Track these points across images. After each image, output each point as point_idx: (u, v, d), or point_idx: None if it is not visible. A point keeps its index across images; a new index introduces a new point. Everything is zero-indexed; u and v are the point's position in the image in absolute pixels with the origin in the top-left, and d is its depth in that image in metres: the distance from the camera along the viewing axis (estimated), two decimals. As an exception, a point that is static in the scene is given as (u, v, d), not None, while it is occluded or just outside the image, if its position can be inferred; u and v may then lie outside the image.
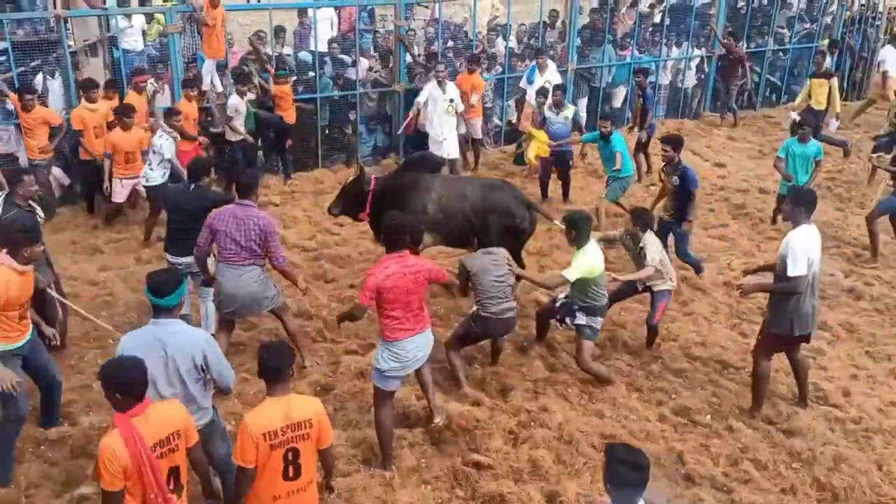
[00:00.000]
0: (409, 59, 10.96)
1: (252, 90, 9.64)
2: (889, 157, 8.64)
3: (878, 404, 6.05)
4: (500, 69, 11.54)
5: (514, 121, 10.92)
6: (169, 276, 4.23)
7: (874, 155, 9.04)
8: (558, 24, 12.40)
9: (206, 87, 9.81)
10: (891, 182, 8.66)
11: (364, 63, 10.88)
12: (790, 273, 5.34)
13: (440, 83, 9.75)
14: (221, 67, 10.01)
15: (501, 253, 6.02)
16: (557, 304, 6.23)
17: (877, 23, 14.99)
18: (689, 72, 13.27)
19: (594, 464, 5.13)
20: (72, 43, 9.29)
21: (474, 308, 5.99)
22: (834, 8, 14.61)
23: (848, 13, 14.70)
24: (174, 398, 3.90)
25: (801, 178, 8.53)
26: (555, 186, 9.89)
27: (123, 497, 3.46)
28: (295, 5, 11.77)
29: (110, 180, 8.50)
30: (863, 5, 14.84)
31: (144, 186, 8.31)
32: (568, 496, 4.84)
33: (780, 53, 14.13)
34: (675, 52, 13.07)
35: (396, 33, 10.75)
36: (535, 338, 6.70)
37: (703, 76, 13.48)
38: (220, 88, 9.91)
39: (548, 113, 9.50)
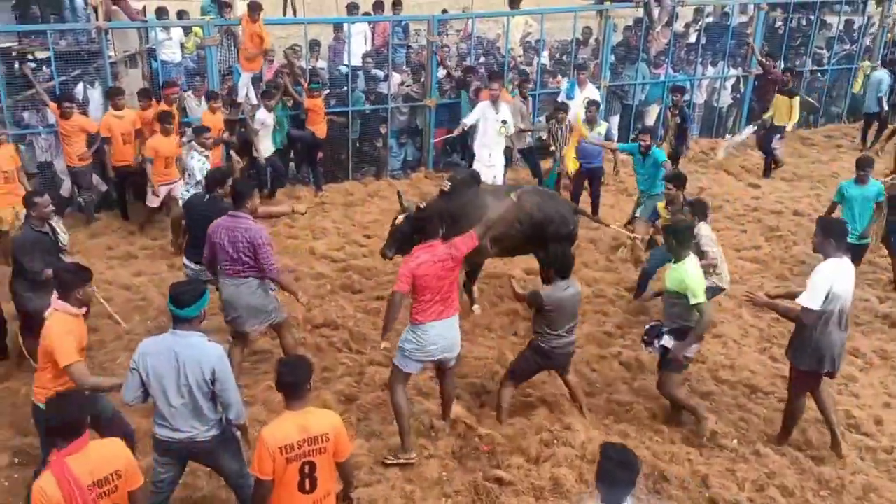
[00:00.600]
0: (441, 73, 11.02)
1: (283, 102, 9.78)
2: None
3: (911, 434, 5.89)
4: (532, 86, 11.55)
5: (544, 137, 10.88)
6: (190, 287, 4.24)
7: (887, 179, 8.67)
8: (591, 41, 12.40)
9: (240, 98, 9.98)
10: None
11: (396, 78, 10.98)
12: (800, 301, 5.17)
13: (493, 102, 9.49)
14: (257, 81, 10.18)
15: (578, 288, 5.65)
16: (646, 326, 5.90)
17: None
18: (724, 91, 13.17)
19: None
20: (112, 54, 9.55)
21: (538, 341, 5.59)
22: (874, 29, 14.40)
23: (889, 35, 14.48)
24: (116, 441, 3.73)
25: (861, 223, 7.53)
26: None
27: None
28: (330, 20, 11.94)
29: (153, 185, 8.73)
30: (904, 26, 14.62)
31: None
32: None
33: (819, 74, 13.95)
34: (710, 70, 12.98)
35: (429, 48, 10.83)
36: None
37: (738, 96, 13.36)
38: (254, 101, 10.07)
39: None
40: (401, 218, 6.81)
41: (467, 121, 9.69)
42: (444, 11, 12.90)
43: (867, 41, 14.29)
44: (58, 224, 6.32)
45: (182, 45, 10.62)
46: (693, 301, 5.25)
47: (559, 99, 11.06)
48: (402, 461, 5.20)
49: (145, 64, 9.93)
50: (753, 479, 5.27)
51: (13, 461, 5.31)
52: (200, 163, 8.14)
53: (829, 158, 12.50)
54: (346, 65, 10.95)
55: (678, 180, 7.40)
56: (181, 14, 11.42)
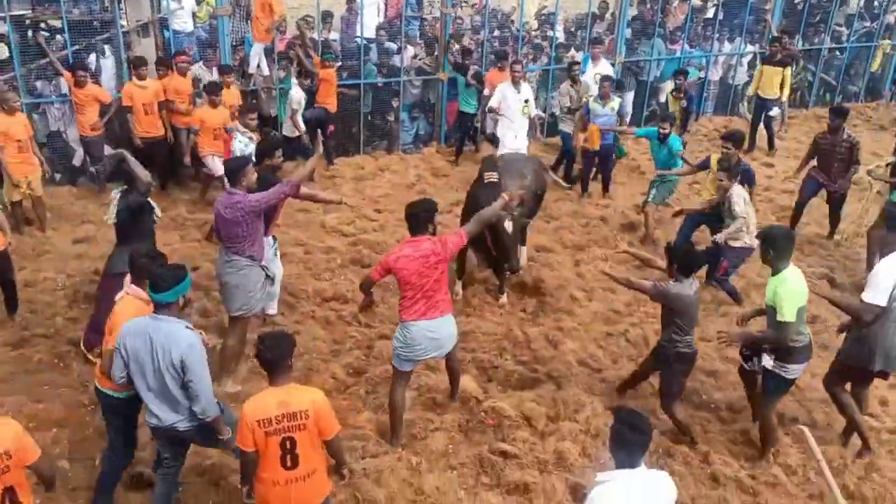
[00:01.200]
0: (455, 46, 10.93)
1: (296, 74, 9.74)
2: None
3: (917, 415, 5.90)
4: (547, 60, 11.47)
5: (557, 112, 10.82)
6: (169, 273, 4.17)
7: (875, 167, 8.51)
8: (608, 15, 12.26)
9: (251, 70, 9.95)
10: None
11: (410, 50, 10.90)
12: (864, 297, 5.01)
13: (515, 83, 9.25)
14: (269, 52, 10.14)
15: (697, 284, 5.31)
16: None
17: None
18: (740, 68, 13.00)
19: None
20: (124, 23, 9.53)
21: (673, 347, 5.23)
22: (896, 6, 14.16)
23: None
24: (2, 420, 3.68)
25: None
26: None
27: None
28: (343, -9, 11.85)
29: (192, 156, 8.81)
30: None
31: None
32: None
33: (837, 52, 13.75)
34: (727, 47, 12.81)
35: (442, 20, 10.70)
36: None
37: (753, 73, 13.18)
38: (266, 72, 10.04)
39: (593, 105, 9.36)
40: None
41: (492, 103, 9.37)
42: (459, -17, 12.77)
43: (890, 18, 14.03)
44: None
45: (194, 15, 10.58)
46: (779, 318, 4.87)
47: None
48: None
49: (158, 33, 9.91)
50: (756, 457, 5.31)
51: (28, 426, 5.37)
52: (242, 143, 8.07)
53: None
54: (358, 37, 10.89)
55: (736, 140, 7.54)
56: (193, -17, 11.36)
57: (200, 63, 9.72)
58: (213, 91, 8.58)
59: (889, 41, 13.76)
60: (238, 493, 4.46)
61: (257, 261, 5.61)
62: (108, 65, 9.50)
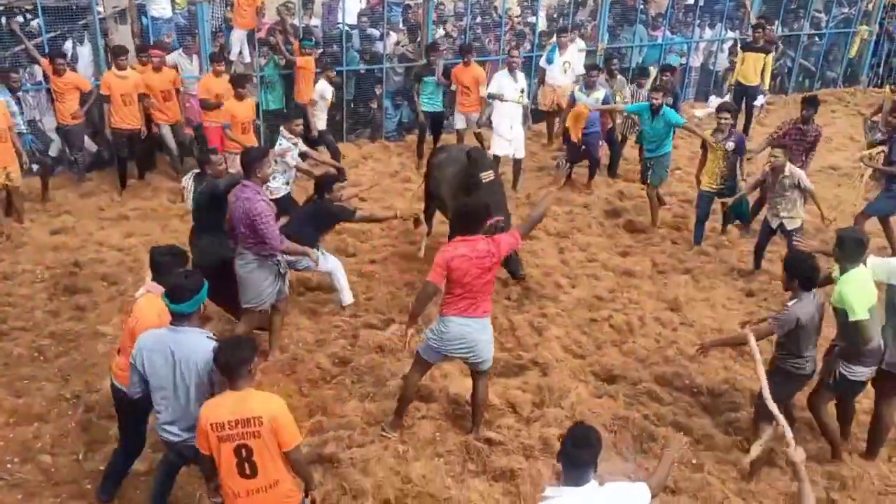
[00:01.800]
0: (440, 32, 10.83)
1: (275, 61, 9.62)
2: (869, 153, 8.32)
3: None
4: (529, 47, 11.45)
5: (540, 100, 10.80)
6: (189, 281, 3.98)
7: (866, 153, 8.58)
8: (589, 1, 12.25)
9: (233, 56, 9.84)
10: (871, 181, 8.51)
11: (392, 37, 10.83)
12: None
13: (511, 71, 9.21)
14: (251, 38, 10.01)
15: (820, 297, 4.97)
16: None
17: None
18: (721, 54, 13.07)
19: (605, 444, 5.14)
20: (101, 9, 9.37)
21: (787, 367, 4.95)
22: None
23: (890, -2, 14.36)
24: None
25: None
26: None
27: None
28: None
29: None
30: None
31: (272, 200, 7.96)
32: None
33: (816, 38, 13.85)
34: (707, 33, 12.86)
35: (425, 6, 10.62)
36: None
37: (734, 59, 13.25)
38: (247, 59, 9.93)
39: (578, 94, 9.30)
40: None
41: (492, 91, 9.25)
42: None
43: (866, 5, 14.15)
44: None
45: (173, 1, 10.41)
46: (851, 318, 4.70)
47: (540, 64, 10.84)
48: (384, 435, 5.22)
49: (135, 20, 9.76)
50: (739, 440, 5.38)
51: (8, 421, 5.36)
52: (291, 149, 7.61)
53: (823, 123, 12.42)
54: (340, 23, 10.79)
55: (732, 111, 7.77)
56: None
57: (180, 50, 9.58)
58: (239, 83, 8.46)
59: (866, 27, 13.90)
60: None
61: (270, 258, 5.58)
62: (84, 52, 9.35)
